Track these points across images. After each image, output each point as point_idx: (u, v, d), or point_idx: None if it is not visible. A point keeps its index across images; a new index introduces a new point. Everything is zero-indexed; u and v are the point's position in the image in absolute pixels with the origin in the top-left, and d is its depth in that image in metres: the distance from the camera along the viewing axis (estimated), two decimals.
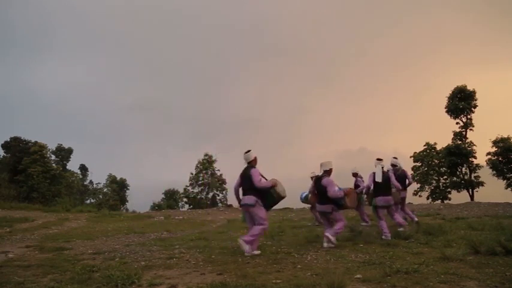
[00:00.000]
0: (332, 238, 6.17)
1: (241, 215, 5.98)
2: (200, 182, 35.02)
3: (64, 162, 39.53)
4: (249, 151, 6.11)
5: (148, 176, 73.49)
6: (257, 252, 5.76)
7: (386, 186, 7.22)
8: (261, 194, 5.88)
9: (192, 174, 35.36)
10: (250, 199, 5.88)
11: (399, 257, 5.18)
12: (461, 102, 25.29)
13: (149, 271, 4.70)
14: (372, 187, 7.37)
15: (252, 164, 6.05)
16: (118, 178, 40.91)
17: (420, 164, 30.81)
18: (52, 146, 36.69)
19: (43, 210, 16.78)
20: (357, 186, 9.37)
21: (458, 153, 25.21)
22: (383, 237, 6.81)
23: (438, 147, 29.73)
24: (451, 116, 26.08)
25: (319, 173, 6.56)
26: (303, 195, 9.72)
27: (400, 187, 7.78)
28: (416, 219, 9.02)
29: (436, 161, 30.09)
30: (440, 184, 29.48)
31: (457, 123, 26.28)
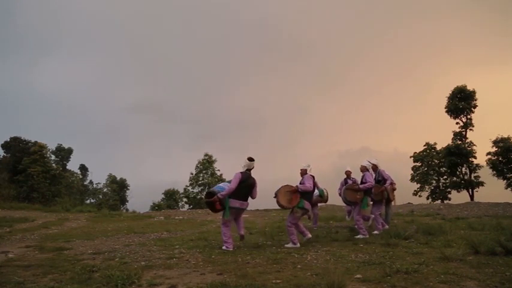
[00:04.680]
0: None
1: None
2: (200, 182, 35.02)
3: (64, 162, 39.54)
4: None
5: (148, 176, 73.22)
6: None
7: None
8: None
9: (192, 174, 35.38)
10: None
11: (399, 257, 5.19)
12: (461, 102, 25.27)
13: (149, 271, 4.69)
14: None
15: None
16: (118, 178, 40.96)
17: (420, 164, 30.82)
18: (52, 146, 36.79)
19: (43, 210, 16.80)
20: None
21: (458, 153, 25.19)
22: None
23: (438, 147, 29.75)
24: (451, 116, 26.04)
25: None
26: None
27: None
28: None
29: (436, 161, 30.11)
30: (440, 184, 29.50)
31: (457, 123, 26.25)
